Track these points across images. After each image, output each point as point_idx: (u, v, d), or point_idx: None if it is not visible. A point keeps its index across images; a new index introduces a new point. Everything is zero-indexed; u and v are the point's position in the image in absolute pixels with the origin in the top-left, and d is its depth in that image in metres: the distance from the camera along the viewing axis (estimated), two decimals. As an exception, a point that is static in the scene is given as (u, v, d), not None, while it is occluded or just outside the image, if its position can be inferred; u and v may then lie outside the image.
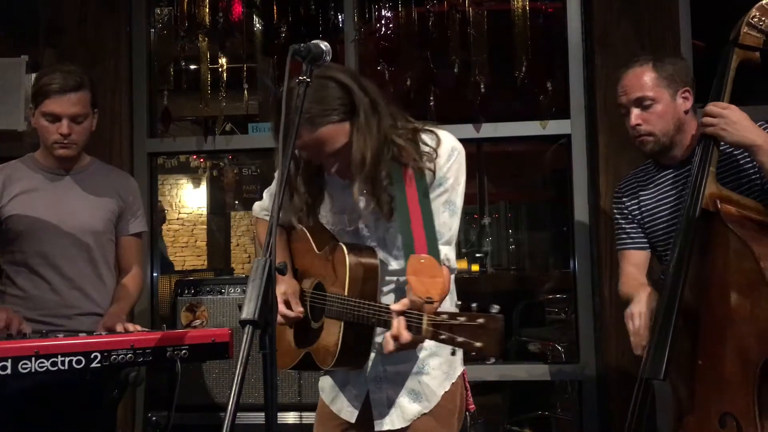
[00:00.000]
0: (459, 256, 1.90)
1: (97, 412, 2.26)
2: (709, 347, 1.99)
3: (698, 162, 2.09)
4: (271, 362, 1.34)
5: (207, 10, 3.63)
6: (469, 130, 3.33)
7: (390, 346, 1.61)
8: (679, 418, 2.08)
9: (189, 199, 10.41)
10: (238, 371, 1.26)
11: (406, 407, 1.89)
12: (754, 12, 2.11)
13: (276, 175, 2.02)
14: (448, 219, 1.83)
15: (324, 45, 1.57)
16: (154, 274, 3.60)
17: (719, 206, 2.01)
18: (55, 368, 1.88)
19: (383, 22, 3.62)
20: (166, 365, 2.07)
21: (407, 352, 1.85)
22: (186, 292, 3.13)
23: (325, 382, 2.05)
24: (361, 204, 1.86)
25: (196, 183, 10.34)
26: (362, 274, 1.80)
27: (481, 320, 1.49)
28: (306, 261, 2.02)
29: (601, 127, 3.16)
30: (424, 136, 1.83)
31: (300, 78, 1.53)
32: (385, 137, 1.76)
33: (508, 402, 4.17)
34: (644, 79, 2.19)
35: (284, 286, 1.95)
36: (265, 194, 2.15)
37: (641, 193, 2.34)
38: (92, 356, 1.93)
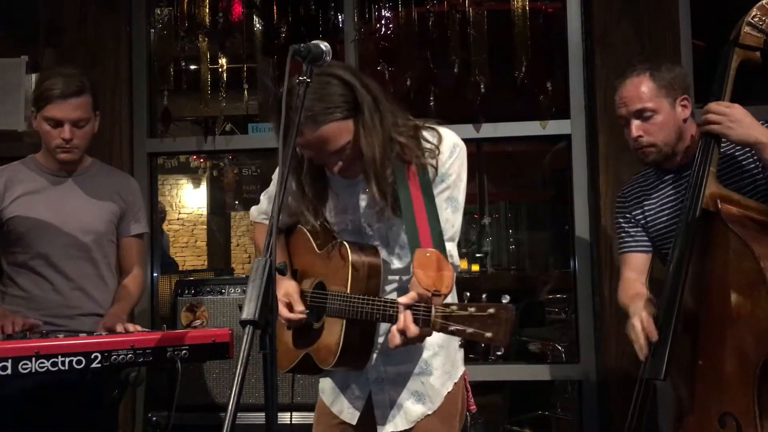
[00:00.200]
0: (459, 255, 1.89)
1: (97, 413, 2.26)
2: (709, 347, 1.99)
3: (699, 162, 2.08)
4: (271, 362, 1.34)
5: (207, 10, 3.63)
6: (469, 130, 3.33)
7: (397, 340, 1.59)
8: (680, 418, 2.08)
9: (189, 199, 10.41)
10: (238, 371, 1.25)
11: (410, 409, 1.88)
12: (754, 11, 2.11)
13: (274, 177, 2.02)
14: (451, 215, 1.83)
15: (324, 45, 1.56)
16: (155, 275, 3.60)
17: (720, 206, 2.01)
18: (56, 368, 1.89)
19: (383, 22, 3.62)
20: (167, 365, 2.07)
21: (408, 352, 1.85)
22: (186, 292, 3.13)
23: (326, 384, 2.03)
24: (364, 203, 1.86)
25: (196, 183, 10.34)
26: (366, 271, 1.79)
27: (491, 310, 1.48)
28: (306, 261, 2.01)
29: (601, 127, 3.16)
30: (426, 133, 1.83)
31: (300, 78, 1.52)
32: (388, 135, 1.76)
33: (508, 402, 4.16)
34: (642, 89, 2.17)
35: (285, 288, 1.93)
36: (263, 197, 2.13)
37: (645, 201, 2.32)
38: (92, 356, 1.94)
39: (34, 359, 1.86)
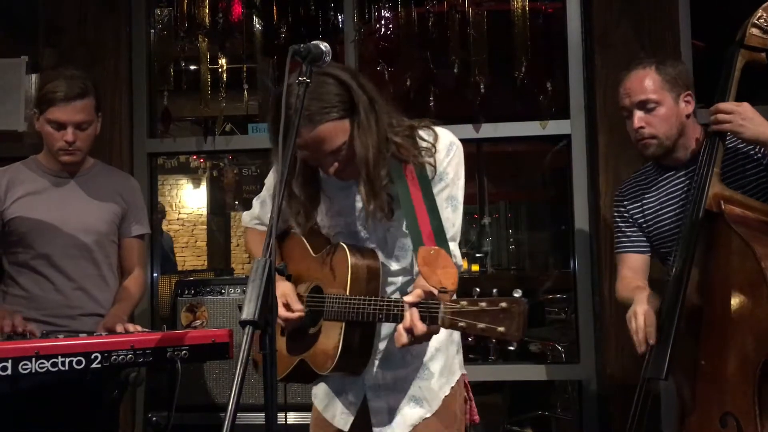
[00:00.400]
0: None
1: (97, 413, 2.26)
2: (710, 347, 1.99)
3: (702, 162, 2.08)
4: (271, 362, 1.34)
5: (207, 10, 3.63)
6: (469, 130, 3.33)
7: (404, 338, 1.57)
8: (682, 418, 2.08)
9: (189, 199, 10.41)
10: (238, 371, 1.25)
11: (408, 413, 1.86)
12: (760, 12, 2.11)
13: (266, 181, 2.02)
14: (451, 215, 1.82)
15: (324, 46, 1.55)
16: (155, 275, 3.60)
17: (723, 206, 2.01)
18: (56, 369, 1.88)
19: (383, 22, 3.61)
20: (167, 366, 2.07)
21: (406, 357, 1.85)
22: (186, 292, 3.13)
23: (319, 389, 2.01)
24: (360, 204, 1.84)
25: (196, 183, 10.35)
26: (365, 274, 1.78)
27: (503, 304, 1.45)
28: (301, 266, 1.97)
29: (601, 127, 3.16)
30: (422, 133, 1.83)
31: (299, 78, 1.51)
32: (383, 135, 1.75)
33: (508, 402, 4.16)
34: (647, 81, 2.18)
35: (281, 289, 1.88)
36: (255, 202, 2.11)
37: (644, 196, 2.32)
38: (92, 357, 1.93)
39: (34, 359, 1.85)
